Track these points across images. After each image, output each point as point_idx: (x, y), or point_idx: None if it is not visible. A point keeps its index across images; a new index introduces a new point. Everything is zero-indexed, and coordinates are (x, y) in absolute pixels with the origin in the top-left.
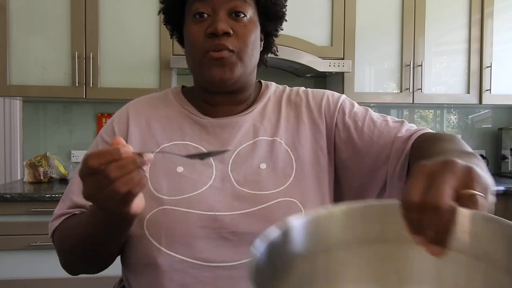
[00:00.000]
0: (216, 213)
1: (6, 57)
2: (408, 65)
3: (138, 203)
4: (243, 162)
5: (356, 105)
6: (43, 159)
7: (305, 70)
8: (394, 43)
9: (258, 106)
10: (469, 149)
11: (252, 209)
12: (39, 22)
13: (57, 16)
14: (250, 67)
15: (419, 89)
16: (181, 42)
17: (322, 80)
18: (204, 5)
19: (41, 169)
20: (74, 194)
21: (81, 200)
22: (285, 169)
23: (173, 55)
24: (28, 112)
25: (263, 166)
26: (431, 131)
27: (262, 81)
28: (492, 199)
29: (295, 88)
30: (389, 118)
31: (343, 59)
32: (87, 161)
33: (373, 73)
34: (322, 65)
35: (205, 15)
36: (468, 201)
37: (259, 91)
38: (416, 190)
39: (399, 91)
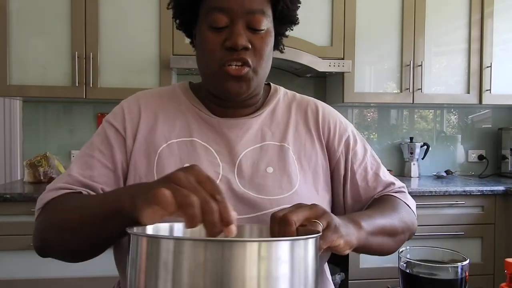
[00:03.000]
0: None
1: (6, 57)
2: (408, 65)
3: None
4: (250, 165)
5: (358, 141)
6: (43, 159)
7: (305, 70)
8: (394, 43)
9: (267, 110)
10: (388, 218)
11: (255, 214)
12: (39, 22)
13: (57, 16)
14: (263, 78)
15: (419, 89)
16: (188, 34)
17: (322, 80)
18: (223, 16)
19: (41, 169)
20: (73, 172)
21: (81, 177)
22: (291, 175)
23: (173, 55)
24: (28, 112)
25: (270, 170)
26: (400, 192)
27: (271, 83)
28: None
29: (306, 97)
30: (380, 171)
31: (343, 59)
32: (198, 170)
33: (373, 73)
34: (322, 65)
35: (223, 24)
36: (310, 224)
37: (267, 94)
38: (283, 211)
39: (399, 91)
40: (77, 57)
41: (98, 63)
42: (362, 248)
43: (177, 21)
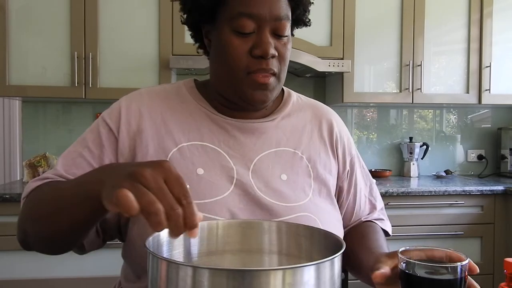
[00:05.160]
0: None
1: (6, 57)
2: (407, 65)
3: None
4: (265, 170)
5: (358, 159)
6: (42, 159)
7: (305, 70)
8: (394, 43)
9: (282, 115)
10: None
11: (272, 220)
12: (39, 22)
13: (56, 16)
14: (282, 84)
15: (418, 89)
16: (194, 32)
17: (321, 80)
18: (251, 22)
19: (40, 169)
20: (60, 166)
21: (65, 173)
22: (304, 184)
23: (172, 55)
24: (27, 112)
25: (284, 177)
26: (380, 220)
27: (283, 87)
28: None
29: (320, 105)
30: (370, 193)
31: (342, 59)
32: (168, 168)
33: (372, 73)
34: (321, 65)
35: (250, 30)
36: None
37: (281, 97)
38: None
39: (398, 91)
40: (77, 57)
41: (97, 63)
42: None
43: (185, 15)
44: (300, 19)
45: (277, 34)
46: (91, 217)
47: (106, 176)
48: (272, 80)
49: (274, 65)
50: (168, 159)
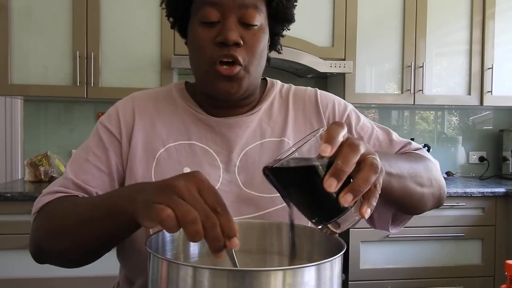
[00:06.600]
0: None
1: (8, 56)
2: (409, 66)
3: None
4: (251, 164)
5: (362, 117)
6: (44, 159)
7: (306, 70)
8: (396, 44)
9: (264, 106)
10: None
11: (259, 213)
12: (41, 22)
13: (58, 16)
14: (256, 77)
15: (420, 90)
16: (182, 34)
17: (323, 81)
18: (213, 10)
19: (42, 168)
20: (69, 174)
21: (76, 180)
22: None
23: (174, 55)
24: (29, 111)
25: None
26: (420, 150)
27: (267, 78)
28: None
29: (303, 88)
30: (393, 136)
31: (344, 59)
32: (199, 178)
33: (374, 74)
34: (323, 66)
35: (214, 19)
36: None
37: (264, 89)
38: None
39: (400, 92)
40: (78, 56)
41: (99, 63)
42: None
43: (171, 19)
44: (280, 14)
45: (245, 23)
46: (117, 233)
47: (136, 193)
48: (237, 70)
49: (239, 53)
50: (155, 159)
